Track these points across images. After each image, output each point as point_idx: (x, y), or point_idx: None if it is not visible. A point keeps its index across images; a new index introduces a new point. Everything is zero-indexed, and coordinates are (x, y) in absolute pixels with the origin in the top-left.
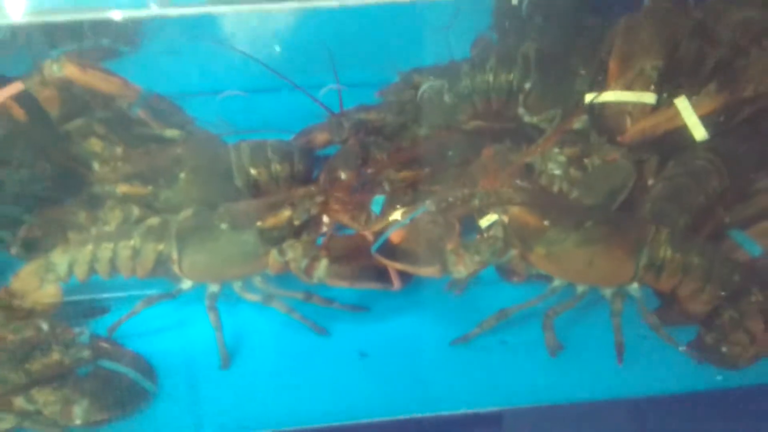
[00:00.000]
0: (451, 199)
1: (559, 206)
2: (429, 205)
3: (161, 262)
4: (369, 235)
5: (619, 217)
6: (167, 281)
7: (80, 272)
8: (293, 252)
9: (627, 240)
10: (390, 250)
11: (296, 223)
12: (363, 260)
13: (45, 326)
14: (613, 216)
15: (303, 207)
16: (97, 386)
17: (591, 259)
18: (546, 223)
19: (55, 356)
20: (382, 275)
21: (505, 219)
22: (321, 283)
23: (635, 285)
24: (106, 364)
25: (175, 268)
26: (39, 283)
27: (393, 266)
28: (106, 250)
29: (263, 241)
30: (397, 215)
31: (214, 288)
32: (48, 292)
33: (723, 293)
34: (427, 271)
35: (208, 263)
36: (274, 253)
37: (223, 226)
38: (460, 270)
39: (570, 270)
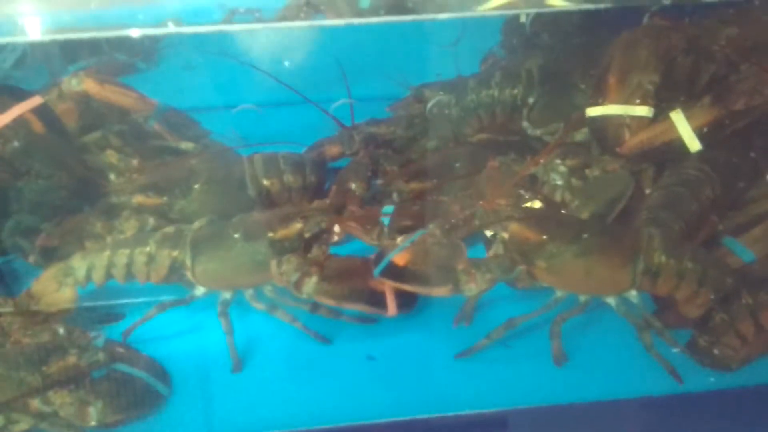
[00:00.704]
0: (453, 221)
1: (557, 220)
2: (432, 229)
3: (175, 269)
4: (366, 260)
5: (614, 226)
6: (181, 288)
7: (98, 277)
8: (287, 265)
9: (623, 248)
10: (396, 273)
11: (306, 235)
12: (356, 283)
13: (62, 330)
14: (608, 226)
15: (314, 220)
16: (111, 389)
17: (590, 269)
18: (544, 237)
19: (72, 359)
20: (376, 300)
21: (506, 236)
22: (310, 299)
23: (633, 292)
24: (121, 367)
25: (189, 275)
26: (57, 286)
27: (404, 288)
28: (122, 256)
29: (273, 252)
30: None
31: (226, 295)
32: (64, 296)
33: (716, 295)
34: (439, 291)
35: (219, 271)
36: (273, 264)
37: (236, 235)
38: (472, 288)
39: (571, 281)
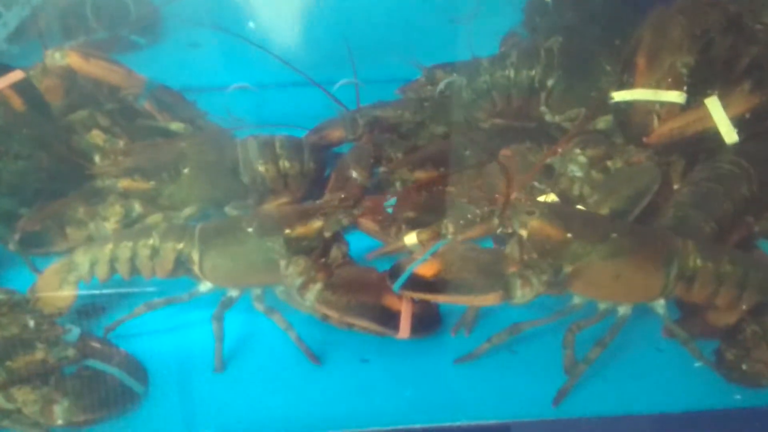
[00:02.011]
0: (469, 216)
1: (582, 217)
2: (446, 225)
3: (181, 262)
4: (383, 275)
5: (644, 227)
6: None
7: (101, 272)
8: (294, 267)
9: (656, 251)
10: (423, 284)
11: (326, 234)
12: (367, 297)
13: (31, 323)
14: (638, 226)
15: (335, 218)
16: (80, 386)
17: (619, 273)
18: (569, 235)
19: (39, 354)
20: (387, 318)
21: (524, 233)
22: (312, 306)
23: (662, 301)
24: (93, 363)
25: (196, 269)
26: (60, 282)
27: (443, 300)
28: (125, 249)
29: (289, 250)
30: (411, 238)
31: (233, 293)
32: (64, 294)
33: (763, 298)
34: (486, 300)
35: (230, 267)
36: (282, 264)
37: (250, 229)
38: (527, 293)
39: (596, 286)
